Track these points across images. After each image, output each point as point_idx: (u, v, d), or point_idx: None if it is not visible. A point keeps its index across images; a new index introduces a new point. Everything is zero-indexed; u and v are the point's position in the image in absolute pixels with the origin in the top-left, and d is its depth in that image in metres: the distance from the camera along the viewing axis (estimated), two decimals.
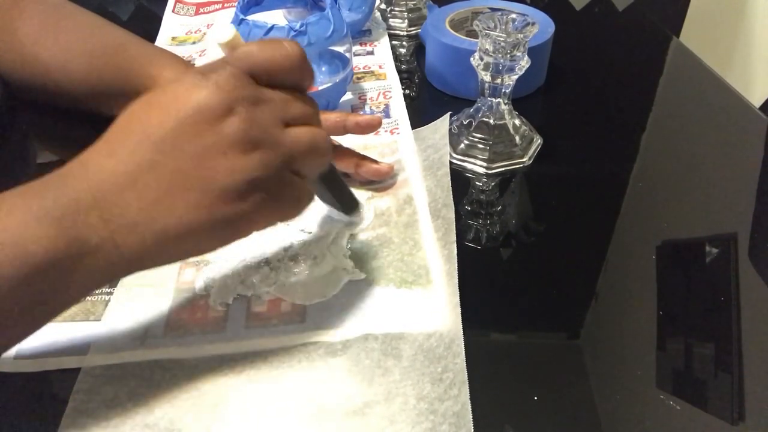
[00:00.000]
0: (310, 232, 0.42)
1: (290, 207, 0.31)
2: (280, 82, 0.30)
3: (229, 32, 0.30)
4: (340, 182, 0.39)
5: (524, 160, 0.50)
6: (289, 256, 0.40)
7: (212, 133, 0.27)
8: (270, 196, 0.29)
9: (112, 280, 0.32)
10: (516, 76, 0.46)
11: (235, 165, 0.27)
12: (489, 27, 0.44)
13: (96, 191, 0.26)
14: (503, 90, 0.47)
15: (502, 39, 0.44)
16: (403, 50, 0.70)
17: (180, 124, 0.27)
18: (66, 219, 0.25)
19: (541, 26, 0.58)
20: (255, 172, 0.28)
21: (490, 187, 0.48)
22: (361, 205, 0.43)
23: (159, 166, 0.27)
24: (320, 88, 0.54)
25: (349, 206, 0.41)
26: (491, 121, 0.49)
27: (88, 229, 0.26)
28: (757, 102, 0.93)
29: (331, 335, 0.35)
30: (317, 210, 0.44)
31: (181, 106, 0.27)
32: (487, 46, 0.45)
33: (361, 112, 0.56)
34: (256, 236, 0.41)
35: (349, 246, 0.41)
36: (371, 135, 0.52)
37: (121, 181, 0.26)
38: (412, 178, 0.47)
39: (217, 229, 0.28)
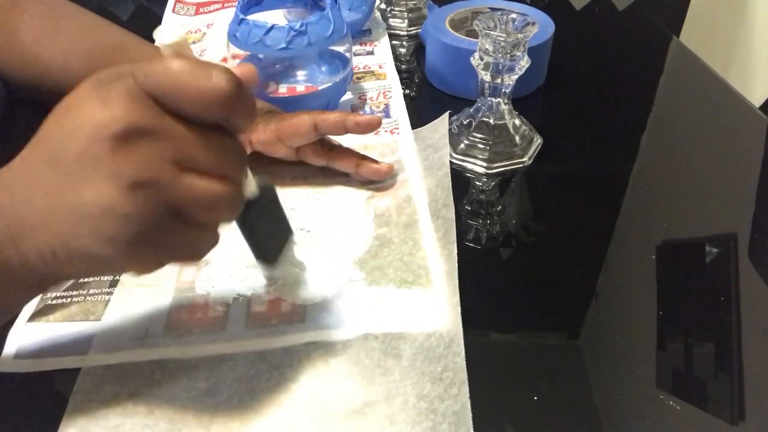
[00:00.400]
0: (309, 231, 0.42)
1: (181, 255, 0.28)
2: (195, 117, 0.25)
3: (175, 35, 0.26)
4: (259, 227, 0.34)
5: (524, 160, 0.50)
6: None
7: (89, 158, 0.24)
8: (148, 241, 0.25)
9: (35, 293, 0.30)
10: (516, 76, 0.46)
11: (107, 200, 0.24)
12: (489, 27, 0.44)
13: (5, 207, 0.25)
14: (503, 90, 0.47)
15: (502, 39, 0.44)
16: (403, 50, 0.70)
17: (65, 141, 0.24)
18: None
19: (541, 26, 0.58)
20: (126, 213, 0.24)
21: (490, 187, 0.48)
22: (281, 259, 0.37)
23: (49, 182, 0.25)
24: (320, 88, 0.54)
25: (263, 254, 0.35)
26: (491, 121, 0.49)
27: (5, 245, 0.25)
28: (757, 102, 0.93)
29: (331, 335, 0.35)
30: (318, 209, 0.44)
31: (66, 121, 0.24)
32: (487, 46, 0.45)
33: (361, 112, 0.56)
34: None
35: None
36: (371, 135, 0.52)
37: (22, 197, 0.25)
38: (412, 178, 0.47)
39: (90, 262, 0.26)
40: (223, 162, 0.26)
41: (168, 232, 0.26)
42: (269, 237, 0.35)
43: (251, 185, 0.31)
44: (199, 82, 0.24)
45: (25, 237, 0.25)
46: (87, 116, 0.24)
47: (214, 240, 0.29)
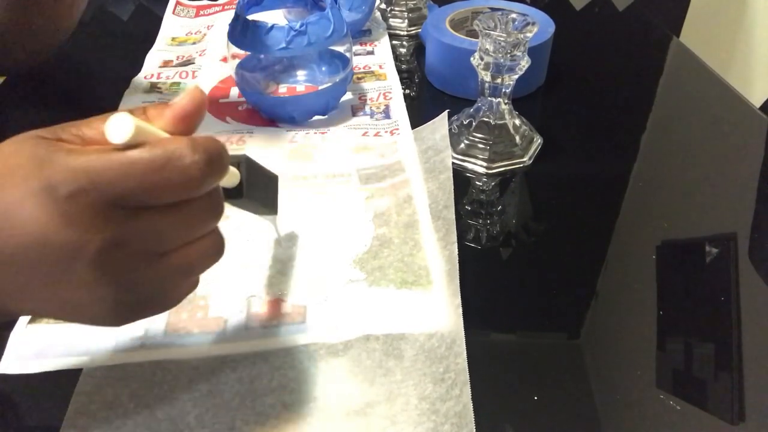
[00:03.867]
0: (308, 230, 0.42)
1: (175, 303, 0.28)
2: (171, 203, 0.24)
3: (126, 129, 0.22)
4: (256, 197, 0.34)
5: (524, 160, 0.50)
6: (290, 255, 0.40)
7: (58, 269, 0.23)
8: (141, 309, 0.27)
9: None
10: (516, 76, 0.46)
11: (86, 301, 0.24)
12: (489, 27, 0.44)
13: None
14: (503, 90, 0.47)
15: (502, 39, 0.44)
16: (403, 50, 0.70)
17: (18, 246, 0.22)
18: None
19: (541, 26, 0.58)
20: (108, 307, 0.25)
21: (490, 187, 0.48)
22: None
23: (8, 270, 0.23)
24: (320, 87, 0.54)
25: (264, 212, 0.36)
26: (491, 120, 0.49)
27: None
28: (757, 102, 0.93)
29: (332, 336, 0.35)
30: (317, 209, 0.44)
31: (23, 235, 0.22)
32: (488, 46, 0.45)
33: (361, 113, 0.56)
34: (255, 236, 0.42)
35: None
36: (371, 136, 0.53)
37: None
38: (412, 179, 0.47)
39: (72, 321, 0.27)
40: (201, 225, 0.26)
41: (161, 295, 0.27)
42: (265, 198, 0.35)
43: (233, 177, 0.30)
44: (173, 174, 0.23)
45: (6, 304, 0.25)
46: (50, 234, 0.22)
47: (196, 283, 0.30)
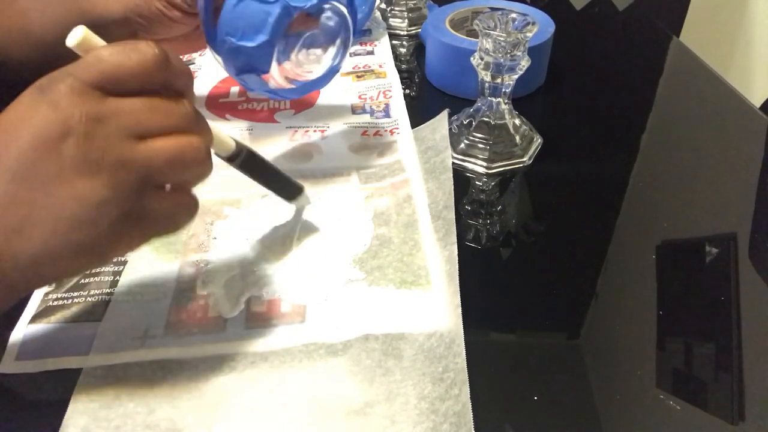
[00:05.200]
0: (308, 230, 0.42)
1: (162, 225, 0.29)
2: (138, 89, 0.27)
3: (78, 33, 0.27)
4: (265, 170, 0.38)
5: (524, 159, 0.50)
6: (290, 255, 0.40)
7: (52, 160, 0.25)
8: (129, 217, 0.27)
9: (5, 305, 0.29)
10: (516, 76, 0.46)
11: (81, 191, 0.25)
12: (489, 26, 0.44)
13: None
14: (503, 90, 0.47)
15: (502, 39, 0.44)
16: (403, 50, 0.70)
17: (23, 153, 0.25)
18: None
19: (541, 26, 0.58)
20: (102, 197, 0.26)
21: (490, 187, 0.48)
22: (304, 190, 0.42)
23: (13, 196, 0.25)
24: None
25: (288, 193, 0.41)
26: (491, 120, 0.49)
27: None
28: (757, 102, 0.93)
29: (332, 335, 0.35)
30: (316, 208, 0.44)
31: (20, 133, 0.25)
32: (488, 46, 0.45)
33: (360, 111, 0.56)
34: (255, 236, 0.42)
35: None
36: (371, 135, 0.53)
37: None
38: (412, 179, 0.47)
39: (76, 255, 0.27)
40: (175, 119, 0.28)
41: (144, 204, 0.28)
42: (276, 176, 0.39)
43: (226, 143, 0.34)
44: (134, 56, 0.27)
45: (0, 251, 0.25)
46: (41, 122, 0.25)
47: (190, 205, 0.30)
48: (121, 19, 0.43)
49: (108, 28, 0.41)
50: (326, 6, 0.42)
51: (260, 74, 0.41)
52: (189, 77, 0.30)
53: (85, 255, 0.27)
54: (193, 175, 0.30)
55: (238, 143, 0.35)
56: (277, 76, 0.43)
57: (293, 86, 0.45)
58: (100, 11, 0.43)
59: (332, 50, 0.46)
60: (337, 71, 0.47)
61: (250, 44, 0.39)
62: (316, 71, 0.46)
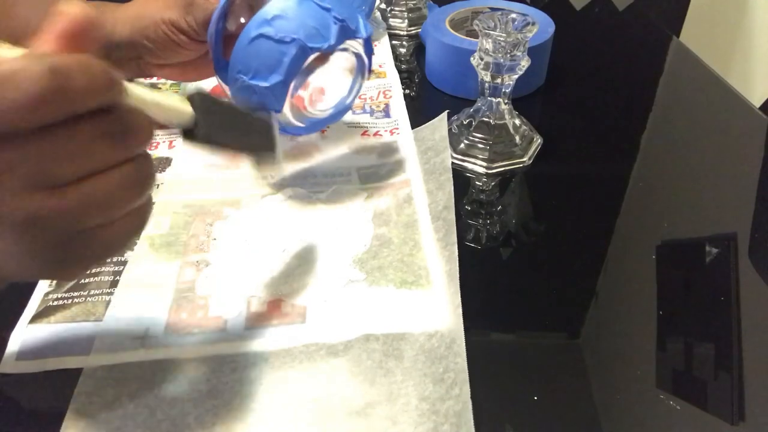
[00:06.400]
0: (308, 230, 0.42)
1: (110, 252, 0.25)
2: (34, 126, 0.20)
3: None
4: (231, 126, 0.31)
5: (524, 159, 0.50)
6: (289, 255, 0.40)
7: None
8: (64, 258, 0.23)
9: None
10: (516, 76, 0.46)
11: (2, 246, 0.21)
12: (489, 27, 0.44)
13: None
14: (503, 90, 0.47)
15: (502, 39, 0.44)
16: (403, 50, 0.70)
17: None
18: None
19: (541, 26, 0.58)
20: (19, 251, 0.22)
21: (490, 187, 0.48)
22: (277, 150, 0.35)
23: None
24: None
25: (260, 147, 0.34)
26: (491, 120, 0.49)
27: None
28: (757, 102, 0.93)
29: (332, 336, 0.35)
30: (316, 208, 0.44)
31: None
32: (487, 46, 0.45)
33: (360, 111, 0.56)
34: (254, 236, 0.42)
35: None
36: (371, 135, 0.53)
37: None
38: (412, 179, 0.47)
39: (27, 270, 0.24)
40: (93, 157, 0.22)
41: (83, 241, 0.23)
42: (250, 133, 0.32)
43: (183, 115, 0.27)
44: (6, 97, 0.19)
45: None
46: None
47: (137, 222, 0.25)
48: (128, 41, 0.41)
49: (113, 50, 0.41)
50: (342, 47, 0.41)
51: (271, 112, 0.39)
52: (107, 86, 0.21)
53: (38, 270, 0.24)
54: (132, 203, 0.24)
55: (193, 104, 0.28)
56: (288, 113, 0.41)
57: (303, 125, 0.44)
58: (106, 32, 0.41)
59: (345, 89, 0.45)
60: (348, 109, 0.47)
61: (263, 84, 0.37)
62: (327, 110, 0.45)
